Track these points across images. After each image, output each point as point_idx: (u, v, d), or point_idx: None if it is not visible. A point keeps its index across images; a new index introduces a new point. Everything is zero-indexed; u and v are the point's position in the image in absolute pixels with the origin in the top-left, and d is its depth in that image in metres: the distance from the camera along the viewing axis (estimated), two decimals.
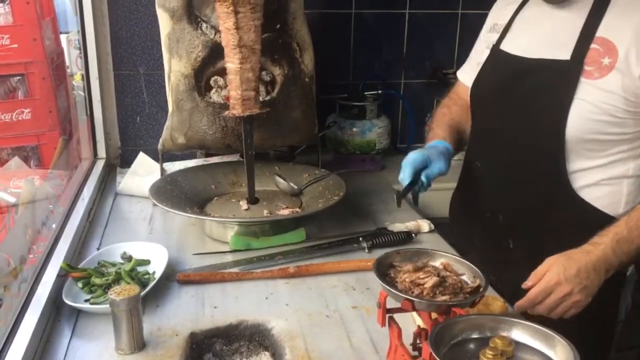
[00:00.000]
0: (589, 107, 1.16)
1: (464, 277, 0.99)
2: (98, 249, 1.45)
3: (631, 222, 1.12)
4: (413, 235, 1.52)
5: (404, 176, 1.28)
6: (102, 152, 2.02)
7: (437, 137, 1.41)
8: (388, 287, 0.93)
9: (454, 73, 2.25)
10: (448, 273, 0.99)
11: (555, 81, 1.20)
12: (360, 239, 1.49)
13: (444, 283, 0.95)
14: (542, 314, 1.09)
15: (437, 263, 1.02)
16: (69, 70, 2.69)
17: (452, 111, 1.51)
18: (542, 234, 1.26)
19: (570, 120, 1.17)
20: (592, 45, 1.16)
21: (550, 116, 1.20)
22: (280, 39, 1.66)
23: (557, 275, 1.07)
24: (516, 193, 1.30)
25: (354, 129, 2.20)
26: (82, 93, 2.23)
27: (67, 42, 3.08)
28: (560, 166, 1.21)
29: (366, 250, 1.47)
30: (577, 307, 1.09)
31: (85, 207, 1.60)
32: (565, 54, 1.19)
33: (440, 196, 1.59)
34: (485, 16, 1.50)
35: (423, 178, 1.29)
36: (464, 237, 1.47)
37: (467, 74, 1.51)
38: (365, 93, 2.25)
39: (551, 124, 1.20)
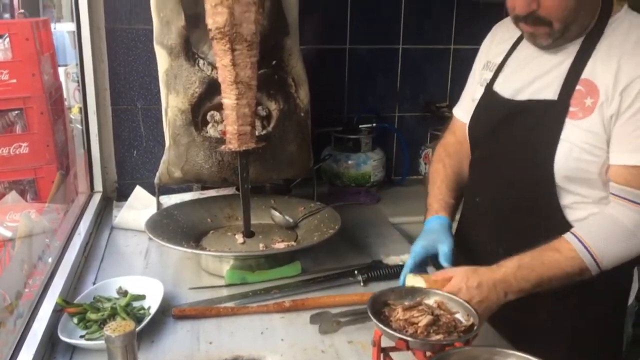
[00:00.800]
0: (574, 146, 1.19)
1: (458, 315, 1.00)
2: (94, 283, 1.45)
3: (536, 252, 1.18)
4: None
5: (406, 269, 1.30)
6: (98, 185, 2.03)
7: (433, 211, 1.42)
8: (382, 326, 0.94)
9: (447, 106, 2.29)
10: (442, 312, 1.00)
11: (542, 121, 1.23)
12: (356, 272, 1.50)
13: (438, 322, 0.96)
14: None
15: (431, 301, 1.03)
16: (66, 103, 2.72)
17: (446, 166, 1.51)
18: None
19: (557, 159, 1.20)
20: (577, 87, 1.20)
21: (539, 155, 1.23)
22: (276, 74, 1.69)
23: (460, 283, 1.13)
24: (515, 227, 1.32)
25: (349, 162, 2.22)
26: (79, 126, 2.25)
27: (65, 75, 3.12)
28: (554, 202, 1.24)
29: (361, 284, 1.47)
30: None
31: (82, 241, 1.61)
32: (552, 95, 1.23)
33: None
34: (476, 51, 1.53)
35: (444, 263, 1.30)
36: None
37: (462, 111, 1.54)
38: (360, 126, 2.28)
39: (541, 162, 1.22)
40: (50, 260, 1.46)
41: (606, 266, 1.18)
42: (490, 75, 1.40)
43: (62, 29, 3.67)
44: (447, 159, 1.52)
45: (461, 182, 1.49)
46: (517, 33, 1.34)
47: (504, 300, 1.16)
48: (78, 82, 2.39)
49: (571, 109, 1.20)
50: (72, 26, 2.24)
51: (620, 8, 1.23)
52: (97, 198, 1.97)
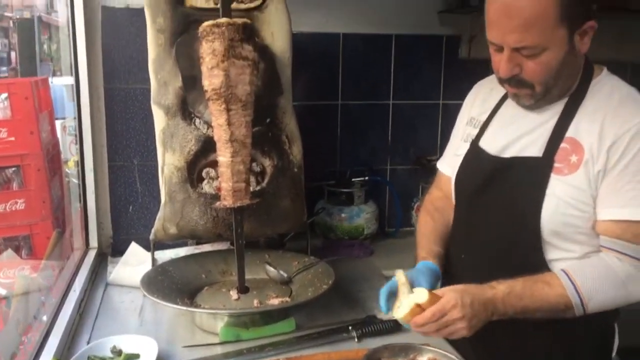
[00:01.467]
0: (560, 202, 1.23)
1: None
2: (88, 342, 1.45)
3: (528, 282, 1.21)
4: None
5: (381, 304, 1.31)
6: (94, 241, 2.04)
7: (421, 258, 1.44)
8: None
9: (438, 159, 2.34)
10: None
11: (528, 177, 1.27)
12: (350, 327, 1.50)
13: None
14: (430, 331, 1.18)
15: (425, 358, 1.04)
16: (62, 156, 2.75)
17: (435, 219, 1.54)
18: (527, 324, 1.29)
19: (544, 214, 1.24)
20: (562, 145, 1.24)
21: (526, 210, 1.26)
22: (270, 132, 1.74)
23: (454, 300, 1.16)
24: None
25: (343, 215, 2.25)
26: (74, 180, 2.28)
27: (62, 129, 3.16)
28: (540, 257, 1.27)
29: (356, 340, 1.48)
30: (459, 334, 1.19)
31: (77, 298, 1.61)
32: (537, 152, 1.28)
33: None
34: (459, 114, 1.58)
35: None
36: None
37: (447, 165, 1.58)
38: (353, 179, 2.32)
39: (528, 217, 1.26)
40: (45, 318, 1.46)
41: (591, 309, 1.21)
42: (475, 131, 1.44)
43: (59, 83, 3.74)
44: (435, 213, 1.55)
45: (448, 236, 1.52)
46: (502, 91, 1.39)
47: (489, 319, 1.20)
48: (75, 135, 2.44)
49: (556, 165, 1.24)
50: (69, 80, 2.30)
51: (600, 72, 1.30)
52: (92, 254, 1.98)
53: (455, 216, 1.50)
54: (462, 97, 1.61)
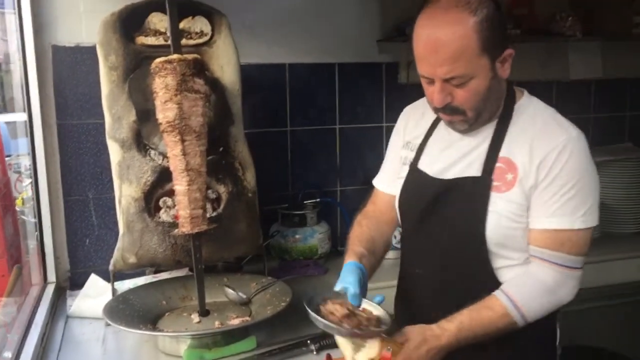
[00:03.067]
0: (501, 217, 1.35)
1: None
2: None
3: (473, 312, 1.33)
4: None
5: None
6: (52, 276, 2.05)
7: (346, 261, 1.48)
8: (310, 311, 1.23)
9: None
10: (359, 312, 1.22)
11: (471, 196, 1.39)
12: (309, 341, 1.58)
13: (354, 316, 1.22)
14: None
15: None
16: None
17: (362, 225, 1.60)
18: None
19: (487, 229, 1.36)
20: (498, 164, 1.37)
21: (471, 227, 1.37)
22: (223, 160, 1.82)
23: (411, 352, 1.28)
24: (455, 294, 1.43)
25: (297, 236, 2.32)
26: (24, 217, 2.28)
27: (7, 167, 3.14)
28: (488, 267, 1.39)
29: (314, 352, 1.55)
30: None
31: (39, 333, 1.63)
32: (475, 172, 1.39)
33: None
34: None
35: (353, 303, 1.34)
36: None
37: (384, 183, 1.65)
38: (305, 202, 2.41)
39: (473, 233, 1.37)
40: (8, 354, 1.47)
41: (531, 319, 1.34)
42: (412, 154, 1.53)
43: (1, 120, 3.68)
44: (364, 220, 1.62)
45: (378, 239, 1.57)
46: (433, 115, 1.48)
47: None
48: (21, 173, 2.44)
49: (495, 183, 1.36)
50: (12, 117, 2.30)
51: (522, 95, 1.44)
52: (50, 289, 1.99)
53: (403, 235, 1.59)
54: None
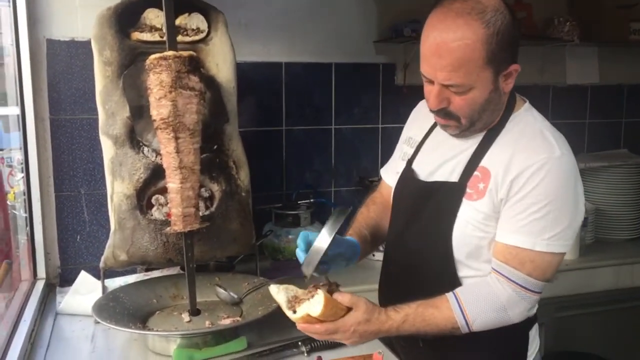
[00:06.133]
0: (468, 224, 1.34)
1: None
2: None
3: (420, 308, 1.31)
4: None
5: (300, 252, 1.37)
6: (42, 272, 2.04)
7: (348, 234, 1.54)
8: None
9: (379, 180, 2.46)
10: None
11: (444, 201, 1.38)
12: (300, 343, 1.57)
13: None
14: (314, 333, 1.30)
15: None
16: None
17: (370, 210, 1.65)
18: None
19: (454, 235, 1.35)
20: (475, 173, 1.36)
21: (439, 233, 1.37)
22: (217, 158, 1.81)
23: (349, 326, 1.26)
24: (420, 297, 1.39)
25: (290, 237, 2.31)
26: (15, 212, 2.26)
27: None
28: (453, 275, 1.38)
29: (305, 354, 1.54)
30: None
31: (27, 329, 1.61)
32: (454, 177, 1.39)
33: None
34: (402, 129, 1.67)
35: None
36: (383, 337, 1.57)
37: (388, 175, 1.67)
38: (299, 202, 2.40)
39: (440, 239, 1.37)
40: None
41: (476, 329, 1.32)
42: (411, 151, 1.54)
43: None
44: (372, 205, 1.66)
45: (379, 227, 1.61)
46: None
47: None
48: (11, 166, 2.42)
49: (468, 190, 1.35)
50: (5, 110, 2.28)
51: (522, 105, 1.40)
52: (40, 285, 1.97)
53: (389, 230, 1.59)
54: (399, 120, 1.70)
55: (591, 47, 2.81)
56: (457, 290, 1.34)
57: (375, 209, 1.65)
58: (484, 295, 1.32)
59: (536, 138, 1.33)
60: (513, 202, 1.30)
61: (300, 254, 1.36)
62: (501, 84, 1.30)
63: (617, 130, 3.01)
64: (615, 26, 2.67)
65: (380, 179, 1.73)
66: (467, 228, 1.34)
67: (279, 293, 1.29)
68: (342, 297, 1.27)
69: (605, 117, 2.95)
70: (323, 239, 1.28)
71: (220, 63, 1.82)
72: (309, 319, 1.26)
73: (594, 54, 2.84)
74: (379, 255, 1.70)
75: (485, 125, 1.37)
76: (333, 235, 1.27)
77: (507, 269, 1.31)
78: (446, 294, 1.34)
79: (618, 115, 2.99)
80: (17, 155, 2.28)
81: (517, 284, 1.30)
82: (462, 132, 1.37)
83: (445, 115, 1.34)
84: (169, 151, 1.58)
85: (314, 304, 1.23)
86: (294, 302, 1.28)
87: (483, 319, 1.31)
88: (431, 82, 1.31)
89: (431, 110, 1.37)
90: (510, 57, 1.29)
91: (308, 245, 1.34)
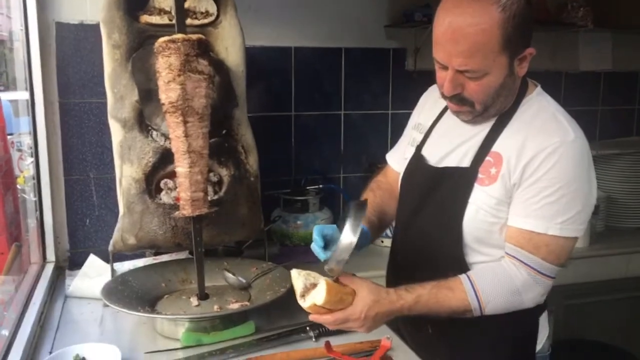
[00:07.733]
0: (479, 209, 1.33)
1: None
2: (50, 352, 1.46)
3: (433, 289, 1.30)
4: None
5: (317, 248, 1.37)
6: (51, 255, 2.05)
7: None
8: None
9: None
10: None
11: (456, 187, 1.37)
12: (308, 328, 1.57)
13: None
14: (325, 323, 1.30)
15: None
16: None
17: (376, 195, 1.65)
18: (454, 320, 1.37)
19: (465, 220, 1.34)
20: (487, 158, 1.34)
21: (450, 218, 1.37)
22: (226, 142, 1.80)
23: (359, 312, 1.25)
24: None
25: (298, 222, 2.31)
26: (25, 196, 2.27)
27: (10, 145, 3.13)
28: (462, 261, 1.37)
29: (314, 339, 1.54)
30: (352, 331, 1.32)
31: (37, 311, 1.62)
32: (466, 163, 1.38)
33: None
34: (411, 114, 1.67)
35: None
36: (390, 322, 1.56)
37: (395, 161, 1.67)
38: (307, 188, 2.40)
39: (451, 225, 1.36)
40: (5, 332, 1.47)
41: (488, 312, 1.31)
42: (420, 137, 1.53)
43: (5, 98, 3.68)
44: (377, 190, 1.66)
45: (385, 216, 1.62)
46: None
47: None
48: (22, 151, 2.42)
49: (479, 175, 1.34)
50: (15, 95, 2.29)
51: (533, 89, 1.39)
52: (50, 268, 1.98)
53: (397, 218, 1.59)
54: (409, 106, 1.69)
55: (605, 33, 2.76)
56: (471, 272, 1.34)
57: (382, 194, 1.65)
58: (498, 278, 1.31)
59: (549, 122, 1.31)
60: (526, 186, 1.29)
61: (318, 250, 1.36)
62: (516, 68, 1.29)
63: (629, 117, 2.97)
64: (630, 12, 2.62)
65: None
66: (478, 213, 1.33)
67: (298, 279, 1.29)
68: (345, 279, 1.28)
69: (618, 104, 2.91)
70: (348, 235, 1.28)
71: (230, 47, 1.81)
72: (317, 309, 1.26)
73: (608, 40, 2.80)
74: (387, 242, 1.70)
75: (499, 110, 1.35)
76: (359, 232, 1.27)
77: (522, 253, 1.30)
78: (459, 275, 1.33)
79: (631, 102, 2.96)
80: (27, 140, 2.29)
81: (532, 268, 1.29)
82: (475, 117, 1.36)
83: (459, 101, 1.32)
84: (178, 135, 1.57)
85: (319, 291, 1.24)
86: (309, 289, 1.27)
87: (496, 303, 1.31)
88: (444, 67, 1.29)
89: (444, 97, 1.35)
90: (526, 41, 1.27)
91: (324, 239, 1.34)
